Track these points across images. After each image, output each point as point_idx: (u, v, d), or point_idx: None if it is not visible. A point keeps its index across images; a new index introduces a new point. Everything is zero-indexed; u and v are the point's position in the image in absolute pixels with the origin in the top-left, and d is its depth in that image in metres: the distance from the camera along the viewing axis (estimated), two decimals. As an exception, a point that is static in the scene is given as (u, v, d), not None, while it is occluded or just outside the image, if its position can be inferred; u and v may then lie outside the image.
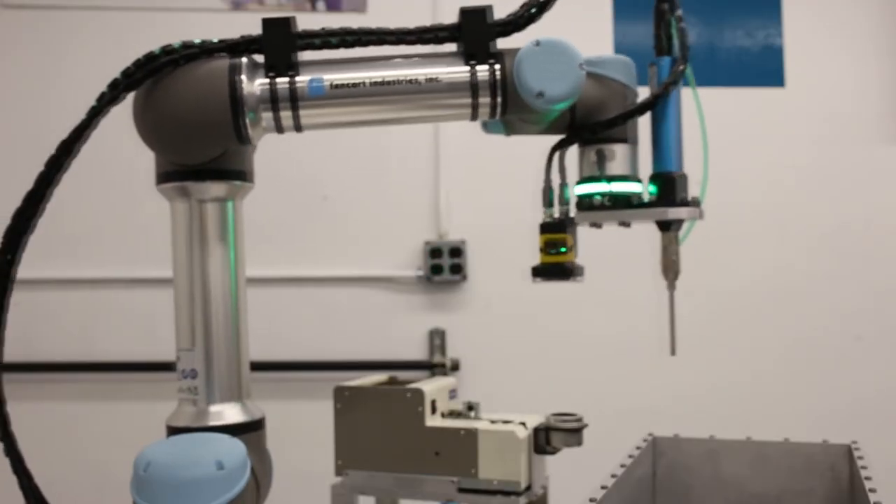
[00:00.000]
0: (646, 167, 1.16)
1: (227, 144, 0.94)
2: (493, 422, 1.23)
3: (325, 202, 2.87)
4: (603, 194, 1.11)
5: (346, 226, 2.88)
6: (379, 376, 1.36)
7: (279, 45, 0.94)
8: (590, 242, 3.14)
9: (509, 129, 1.12)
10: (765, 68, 2.84)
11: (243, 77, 0.92)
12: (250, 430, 0.97)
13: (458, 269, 2.82)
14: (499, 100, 0.95)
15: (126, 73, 0.94)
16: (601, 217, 1.12)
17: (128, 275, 2.84)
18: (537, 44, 0.94)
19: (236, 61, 0.93)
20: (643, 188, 1.14)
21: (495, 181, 2.83)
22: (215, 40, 0.94)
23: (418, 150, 2.85)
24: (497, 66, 0.94)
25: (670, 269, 1.22)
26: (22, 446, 0.93)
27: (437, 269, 2.82)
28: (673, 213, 1.13)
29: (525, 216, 2.85)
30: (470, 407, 1.27)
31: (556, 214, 1.14)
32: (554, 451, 1.23)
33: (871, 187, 2.79)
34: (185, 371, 0.98)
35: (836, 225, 2.78)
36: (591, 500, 1.04)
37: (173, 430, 0.97)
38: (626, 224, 1.14)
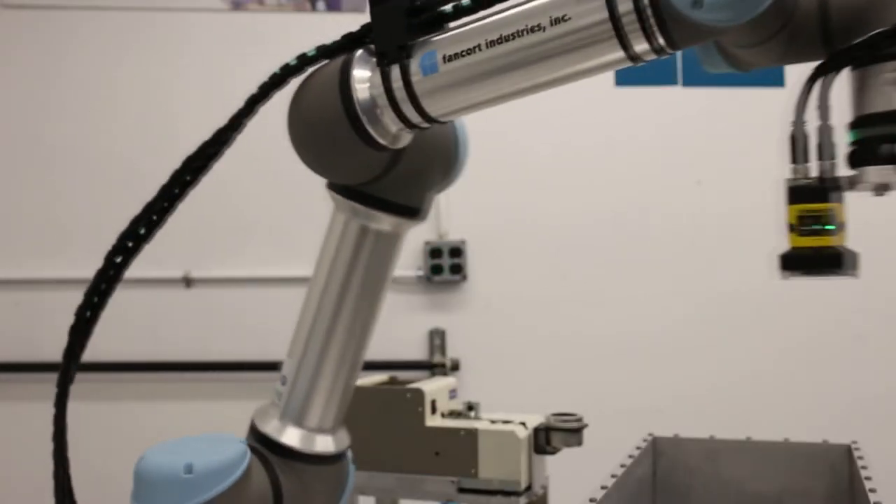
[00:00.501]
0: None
1: (363, 152, 0.83)
2: (493, 422, 1.23)
3: (325, 202, 2.87)
4: None
5: (346, 226, 2.88)
6: (379, 376, 1.36)
7: (388, 26, 0.79)
8: (589, 241, 3.12)
9: (733, 61, 0.85)
10: (765, 68, 2.84)
11: (355, 72, 0.80)
12: (305, 461, 0.90)
13: (458, 269, 2.82)
14: (655, 29, 0.67)
15: (262, 87, 0.85)
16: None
17: (127, 275, 2.83)
18: None
19: (349, 55, 0.81)
20: None
21: (495, 181, 2.83)
22: (340, 37, 0.83)
23: (418, 150, 2.85)
24: None
25: None
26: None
27: (437, 269, 2.82)
28: None
29: (525, 216, 2.86)
30: (470, 407, 1.27)
31: (814, 174, 0.79)
32: (554, 451, 1.23)
33: (871, 187, 2.79)
34: (282, 376, 0.93)
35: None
36: (591, 500, 1.04)
37: (252, 425, 0.94)
38: None
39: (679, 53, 0.95)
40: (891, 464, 1.30)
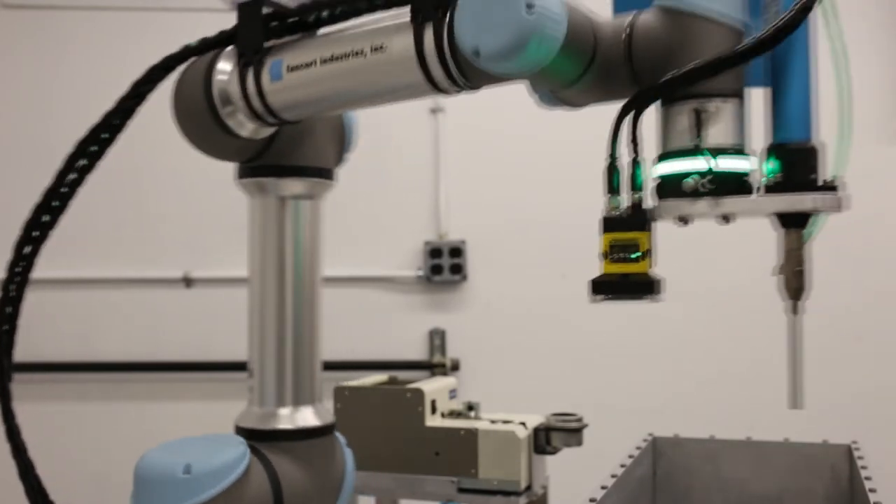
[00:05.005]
0: (757, 137, 0.84)
1: (229, 140, 0.91)
2: (493, 422, 1.23)
3: (326, 202, 2.87)
4: (700, 174, 0.78)
5: (347, 226, 2.88)
6: (379, 376, 1.36)
7: (249, 29, 0.88)
8: (589, 241, 3.11)
9: (561, 99, 0.89)
10: (765, 68, 2.84)
11: (218, 74, 0.89)
12: (291, 438, 0.93)
13: (458, 269, 2.82)
14: (452, 68, 0.76)
15: (147, 72, 0.94)
16: (696, 209, 0.78)
17: (128, 275, 2.84)
18: None
19: (218, 53, 0.90)
20: (756, 165, 0.80)
21: (495, 181, 2.83)
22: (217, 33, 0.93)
23: (418, 150, 2.85)
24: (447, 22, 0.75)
25: (795, 282, 0.85)
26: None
27: (437, 269, 2.82)
28: (807, 201, 0.78)
29: (525, 216, 2.86)
30: (470, 407, 1.27)
31: (625, 205, 0.83)
32: (554, 451, 1.23)
33: (871, 187, 2.78)
34: (249, 370, 0.99)
35: (836, 225, 2.77)
36: (591, 500, 1.04)
37: (237, 428, 0.96)
38: (727, 219, 0.79)
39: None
40: (891, 464, 1.30)
